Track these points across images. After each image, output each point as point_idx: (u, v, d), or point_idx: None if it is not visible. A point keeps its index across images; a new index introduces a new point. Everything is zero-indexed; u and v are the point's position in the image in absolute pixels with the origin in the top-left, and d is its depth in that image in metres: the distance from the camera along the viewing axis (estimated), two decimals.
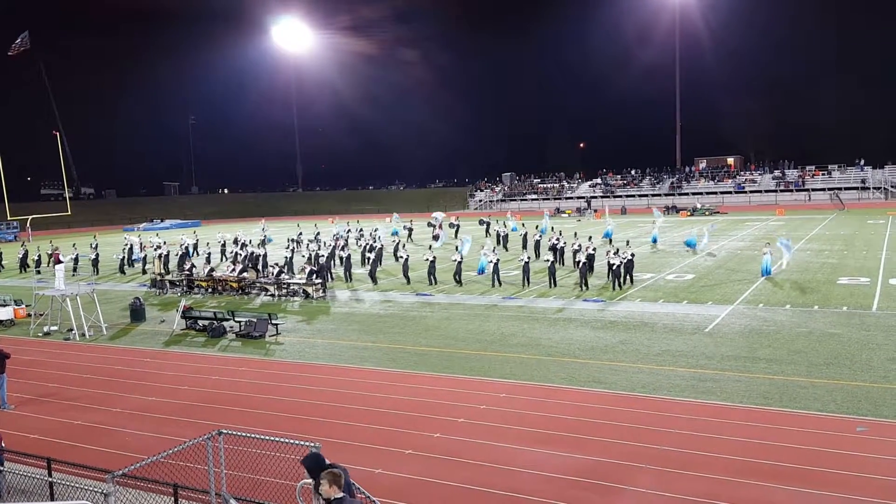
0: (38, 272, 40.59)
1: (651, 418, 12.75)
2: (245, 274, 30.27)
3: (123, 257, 39.84)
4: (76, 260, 39.57)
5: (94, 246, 41.30)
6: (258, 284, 29.32)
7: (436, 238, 42.04)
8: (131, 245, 41.87)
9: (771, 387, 14.17)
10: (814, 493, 9.71)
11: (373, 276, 30.66)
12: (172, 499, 8.79)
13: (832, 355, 16.19)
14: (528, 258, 28.92)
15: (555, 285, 27.14)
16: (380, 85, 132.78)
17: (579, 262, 27.29)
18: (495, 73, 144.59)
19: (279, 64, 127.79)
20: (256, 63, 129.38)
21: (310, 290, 27.57)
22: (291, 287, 28.25)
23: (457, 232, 46.79)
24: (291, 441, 8.59)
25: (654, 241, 41.00)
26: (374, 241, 37.59)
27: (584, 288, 26.28)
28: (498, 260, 28.64)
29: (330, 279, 31.27)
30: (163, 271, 32.79)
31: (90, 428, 13.89)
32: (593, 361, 16.67)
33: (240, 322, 21.86)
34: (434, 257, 29.64)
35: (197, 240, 46.10)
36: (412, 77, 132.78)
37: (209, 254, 40.24)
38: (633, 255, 27.67)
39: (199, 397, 15.42)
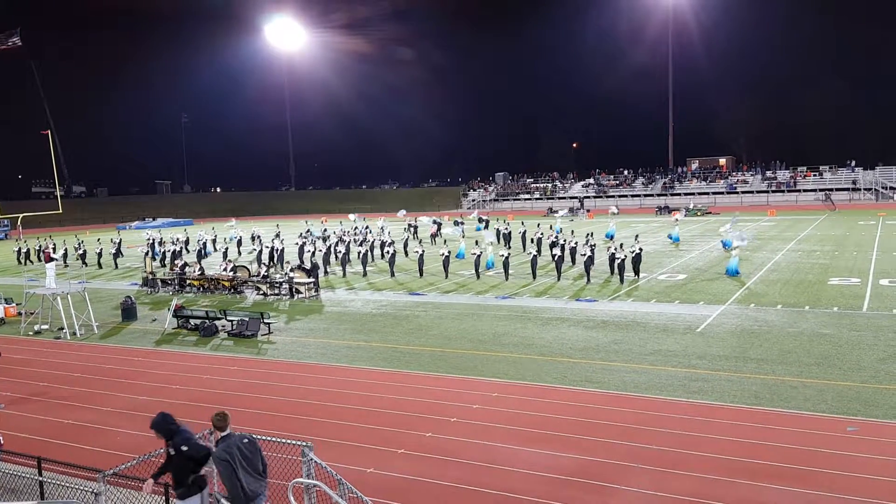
0: (67, 265, 42.33)
1: (643, 418, 12.78)
2: (237, 273, 30.22)
3: (147, 251, 40.89)
4: (105, 254, 42.17)
5: (116, 241, 43.23)
6: (250, 283, 29.27)
7: (433, 237, 43.06)
8: (153, 240, 43.46)
9: (762, 387, 14.23)
10: (804, 493, 9.75)
11: (391, 268, 32.29)
12: (163, 498, 8.75)
13: (823, 355, 16.27)
14: (537, 253, 30.87)
15: (559, 278, 28.83)
16: (373, 84, 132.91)
17: (585, 255, 28.78)
18: (489, 72, 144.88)
19: (272, 62, 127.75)
20: (249, 62, 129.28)
21: (302, 289, 27.51)
22: (283, 286, 28.16)
23: (487, 225, 49.03)
24: (283, 440, 8.58)
25: (676, 239, 41.35)
26: (386, 236, 39.31)
27: (588, 281, 27.68)
28: (509, 254, 30.72)
29: (343, 274, 33.16)
30: (154, 270, 32.69)
31: (81, 427, 13.82)
32: (586, 361, 16.70)
33: (232, 321, 21.80)
34: (448, 252, 31.51)
35: (216, 236, 46.82)
36: (405, 76, 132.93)
37: (226, 248, 41.56)
38: (641, 249, 29.14)
39: (191, 396, 15.37)
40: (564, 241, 33.47)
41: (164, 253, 40.72)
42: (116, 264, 41.13)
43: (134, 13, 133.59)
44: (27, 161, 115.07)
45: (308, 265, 30.99)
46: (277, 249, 37.39)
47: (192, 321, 22.60)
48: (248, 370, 17.44)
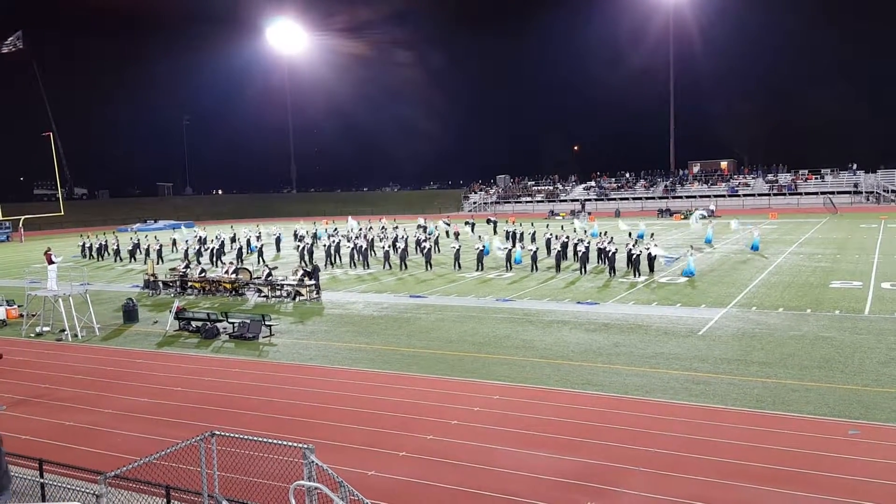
0: (120, 259, 45.39)
1: (644, 421, 12.77)
2: (238, 275, 30.23)
3: (186, 249, 43.24)
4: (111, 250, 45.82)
5: (173, 239, 46.87)
6: (252, 285, 29.28)
7: (457, 235, 44.37)
8: (201, 237, 45.98)
9: (764, 390, 14.22)
10: (806, 496, 9.74)
11: (428, 261, 35.08)
12: (165, 500, 8.76)
13: (824, 359, 16.26)
14: (560, 249, 33.44)
15: (585, 273, 31.23)
16: (374, 86, 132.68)
17: (609, 251, 30.87)
18: (490, 74, 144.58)
19: (273, 65, 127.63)
20: (251, 64, 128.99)
21: (303, 291, 27.50)
22: (285, 287, 28.16)
23: (472, 228, 50.05)
24: (284, 443, 8.58)
25: (709, 241, 41.81)
26: (421, 234, 42.33)
27: (613, 274, 30.14)
28: (537, 249, 34.18)
29: (388, 267, 35.59)
30: (156, 272, 32.70)
31: (82, 429, 13.83)
32: (587, 364, 16.69)
33: (233, 323, 21.80)
34: (482, 246, 34.59)
35: (260, 233, 47.37)
36: (407, 78, 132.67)
37: (261, 246, 42.70)
38: (656, 245, 31.56)
39: (192, 399, 15.38)
40: (578, 240, 34.26)
41: (199, 251, 41.94)
42: (161, 260, 42.43)
43: (136, 15, 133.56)
44: (29, 163, 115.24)
45: (344, 260, 32.19)
46: (326, 246, 39.14)
47: (194, 323, 22.61)
48: (249, 372, 17.45)
